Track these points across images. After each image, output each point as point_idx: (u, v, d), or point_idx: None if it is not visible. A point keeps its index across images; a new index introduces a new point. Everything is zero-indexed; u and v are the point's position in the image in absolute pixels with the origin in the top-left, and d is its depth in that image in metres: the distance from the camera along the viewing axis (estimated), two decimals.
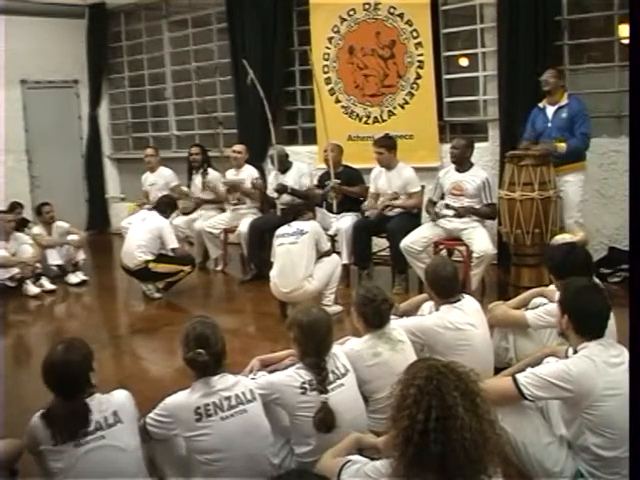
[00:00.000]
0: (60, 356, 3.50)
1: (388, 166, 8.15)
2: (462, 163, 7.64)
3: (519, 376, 3.51)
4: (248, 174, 9.44)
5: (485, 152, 8.66)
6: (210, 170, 9.88)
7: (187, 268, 8.49)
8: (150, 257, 8.27)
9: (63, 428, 3.36)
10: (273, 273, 7.11)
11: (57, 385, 3.47)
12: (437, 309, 4.80)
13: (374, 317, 4.37)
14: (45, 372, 3.49)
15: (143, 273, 8.37)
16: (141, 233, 8.38)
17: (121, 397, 3.61)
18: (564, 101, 7.36)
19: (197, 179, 9.95)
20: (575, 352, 3.54)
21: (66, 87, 12.97)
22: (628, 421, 3.04)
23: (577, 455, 3.52)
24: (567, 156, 7.21)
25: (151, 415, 3.66)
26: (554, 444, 3.59)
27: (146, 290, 8.49)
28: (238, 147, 9.66)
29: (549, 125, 7.38)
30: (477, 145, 8.21)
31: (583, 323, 3.51)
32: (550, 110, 7.42)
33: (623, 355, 3.42)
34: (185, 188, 10.23)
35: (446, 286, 4.78)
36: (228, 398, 3.59)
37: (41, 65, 12.15)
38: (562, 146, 7.15)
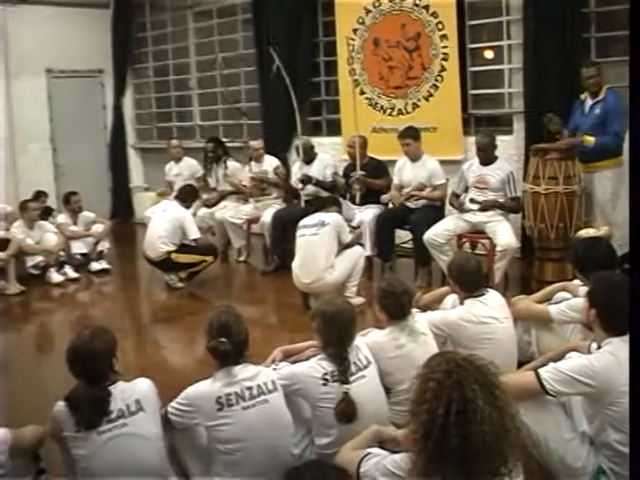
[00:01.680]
0: (85, 342, 3.52)
1: (414, 157, 8.13)
2: (488, 158, 7.61)
3: (541, 371, 3.48)
4: (270, 164, 9.47)
5: (510, 145, 8.60)
6: (230, 162, 9.88)
7: (209, 258, 8.50)
8: (172, 247, 8.30)
9: (85, 413, 3.38)
10: (295, 264, 7.13)
11: (81, 370, 3.49)
12: (461, 303, 4.79)
13: (395, 309, 4.37)
14: (69, 357, 3.51)
15: (165, 264, 8.40)
16: (162, 224, 8.40)
17: (144, 386, 3.62)
18: (601, 96, 7.21)
19: (219, 171, 9.96)
20: (599, 347, 3.52)
21: (91, 77, 13.03)
22: None
23: (599, 452, 3.49)
24: (594, 152, 7.11)
25: (173, 404, 3.67)
26: (576, 440, 3.56)
27: (168, 280, 8.50)
28: (255, 144, 9.64)
29: (584, 120, 7.28)
30: (502, 138, 8.19)
31: (611, 319, 3.47)
32: (588, 104, 7.30)
33: None
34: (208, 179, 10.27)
35: (470, 280, 4.77)
36: (250, 388, 3.59)
37: (66, 54, 12.19)
38: (590, 140, 7.05)
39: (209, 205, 9.96)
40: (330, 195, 8.25)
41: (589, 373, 3.35)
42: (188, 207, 8.68)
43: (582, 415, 3.68)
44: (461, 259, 5.00)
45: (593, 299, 3.58)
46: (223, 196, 9.96)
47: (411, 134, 8.13)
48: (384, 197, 8.40)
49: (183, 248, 8.36)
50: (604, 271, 4.07)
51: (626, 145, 6.92)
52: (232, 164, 9.92)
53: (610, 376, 3.33)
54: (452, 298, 5.11)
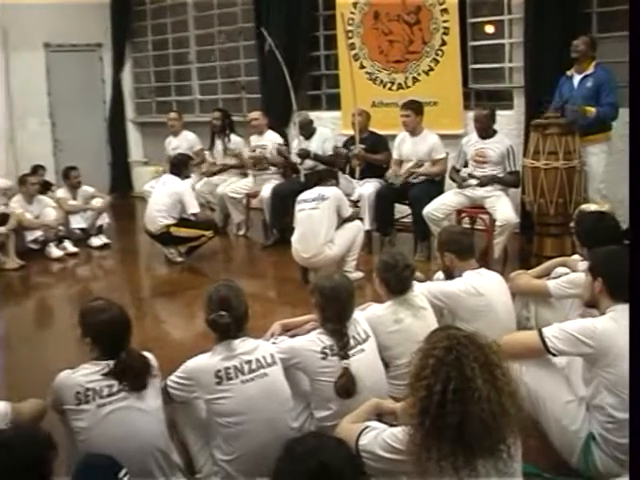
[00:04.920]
0: (117, 312, 3.58)
1: (413, 131, 8.10)
2: (486, 131, 7.59)
3: (545, 329, 3.58)
4: (270, 140, 9.41)
5: (510, 120, 8.58)
6: (233, 136, 9.87)
7: (209, 233, 8.49)
8: (171, 221, 8.30)
9: (132, 379, 3.45)
10: (294, 238, 7.13)
11: (113, 338, 3.51)
12: (460, 275, 4.79)
13: (396, 283, 4.36)
14: (102, 325, 3.52)
15: (165, 237, 8.40)
16: (162, 197, 8.41)
17: None
18: (590, 70, 7.22)
19: (219, 144, 9.94)
20: (603, 314, 3.59)
21: (89, 50, 12.97)
22: None
23: (592, 416, 3.56)
24: (594, 124, 7.10)
25: (172, 377, 3.69)
26: (574, 403, 3.64)
27: (168, 254, 8.49)
28: (255, 114, 9.63)
29: (574, 94, 7.28)
30: (502, 113, 8.16)
31: (618, 286, 3.53)
32: (576, 79, 7.32)
33: None
34: (207, 152, 10.22)
35: (461, 241, 4.83)
36: (249, 362, 3.60)
37: (64, 28, 12.11)
38: (591, 110, 7.02)
39: (207, 174, 9.97)
40: (326, 168, 8.24)
41: (590, 334, 3.45)
42: (186, 177, 8.64)
43: (580, 380, 3.72)
44: (446, 227, 5.10)
45: (598, 270, 3.64)
46: (223, 169, 9.95)
47: (412, 106, 8.11)
48: (388, 174, 8.35)
49: (183, 222, 8.36)
50: (605, 246, 4.10)
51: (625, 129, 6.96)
52: (235, 138, 9.89)
53: (609, 338, 3.42)
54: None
